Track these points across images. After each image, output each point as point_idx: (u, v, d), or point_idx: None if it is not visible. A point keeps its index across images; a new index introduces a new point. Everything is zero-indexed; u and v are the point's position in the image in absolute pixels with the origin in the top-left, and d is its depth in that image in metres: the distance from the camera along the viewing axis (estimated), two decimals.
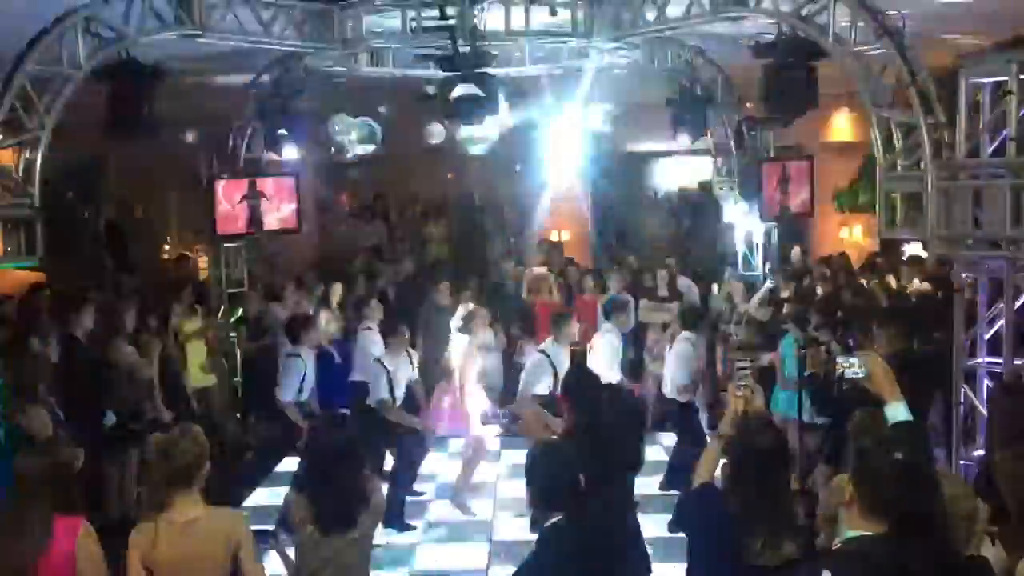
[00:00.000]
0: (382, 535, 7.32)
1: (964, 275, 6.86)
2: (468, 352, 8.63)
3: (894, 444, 3.31)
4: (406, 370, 8.42)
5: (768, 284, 10.48)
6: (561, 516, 3.88)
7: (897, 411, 3.59)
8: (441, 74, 8.24)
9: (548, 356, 8.08)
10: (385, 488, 7.76)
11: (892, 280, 10.67)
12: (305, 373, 8.41)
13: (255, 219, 10.86)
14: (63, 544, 4.05)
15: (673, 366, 8.94)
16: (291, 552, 4.78)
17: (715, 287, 11.80)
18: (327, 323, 9.96)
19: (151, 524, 4.15)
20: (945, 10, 8.23)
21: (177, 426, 4.49)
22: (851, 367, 3.69)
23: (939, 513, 3.30)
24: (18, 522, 4.10)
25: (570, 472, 3.98)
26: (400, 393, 8.28)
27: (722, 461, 4.30)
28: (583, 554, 3.86)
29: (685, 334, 8.97)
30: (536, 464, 4.02)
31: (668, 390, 9.04)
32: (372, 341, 9.13)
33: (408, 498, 8.45)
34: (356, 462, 4.63)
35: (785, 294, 10.32)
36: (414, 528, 8.22)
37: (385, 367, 8.15)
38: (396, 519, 8.07)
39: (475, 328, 8.83)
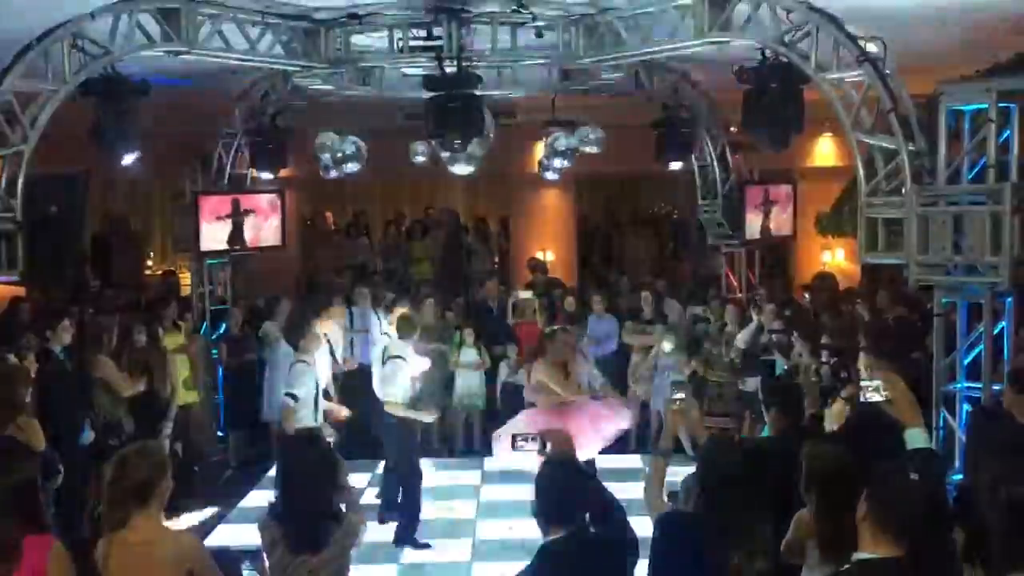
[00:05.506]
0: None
1: (943, 300, 6.93)
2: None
3: (911, 469, 3.28)
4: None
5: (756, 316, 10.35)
6: (562, 532, 3.83)
7: (916, 436, 3.56)
8: (427, 94, 8.26)
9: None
10: None
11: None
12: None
13: (239, 236, 10.85)
14: (33, 563, 3.82)
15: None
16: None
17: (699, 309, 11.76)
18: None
19: (105, 542, 3.97)
20: (925, 37, 8.33)
21: (138, 441, 4.35)
22: (874, 390, 3.69)
23: (949, 539, 3.28)
24: None
25: (575, 489, 3.93)
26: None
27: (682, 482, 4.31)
28: (579, 572, 3.81)
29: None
30: (543, 478, 3.99)
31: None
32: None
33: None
34: (325, 480, 4.38)
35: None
36: (430, 546, 8.00)
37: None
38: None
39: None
